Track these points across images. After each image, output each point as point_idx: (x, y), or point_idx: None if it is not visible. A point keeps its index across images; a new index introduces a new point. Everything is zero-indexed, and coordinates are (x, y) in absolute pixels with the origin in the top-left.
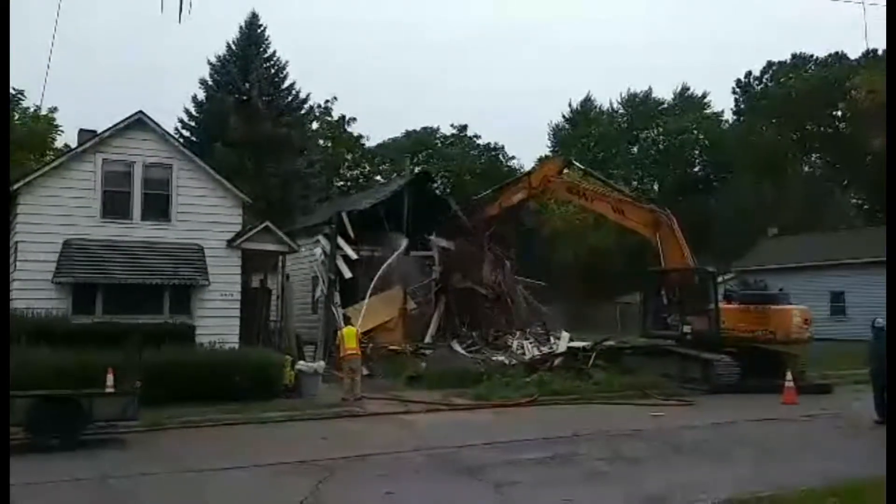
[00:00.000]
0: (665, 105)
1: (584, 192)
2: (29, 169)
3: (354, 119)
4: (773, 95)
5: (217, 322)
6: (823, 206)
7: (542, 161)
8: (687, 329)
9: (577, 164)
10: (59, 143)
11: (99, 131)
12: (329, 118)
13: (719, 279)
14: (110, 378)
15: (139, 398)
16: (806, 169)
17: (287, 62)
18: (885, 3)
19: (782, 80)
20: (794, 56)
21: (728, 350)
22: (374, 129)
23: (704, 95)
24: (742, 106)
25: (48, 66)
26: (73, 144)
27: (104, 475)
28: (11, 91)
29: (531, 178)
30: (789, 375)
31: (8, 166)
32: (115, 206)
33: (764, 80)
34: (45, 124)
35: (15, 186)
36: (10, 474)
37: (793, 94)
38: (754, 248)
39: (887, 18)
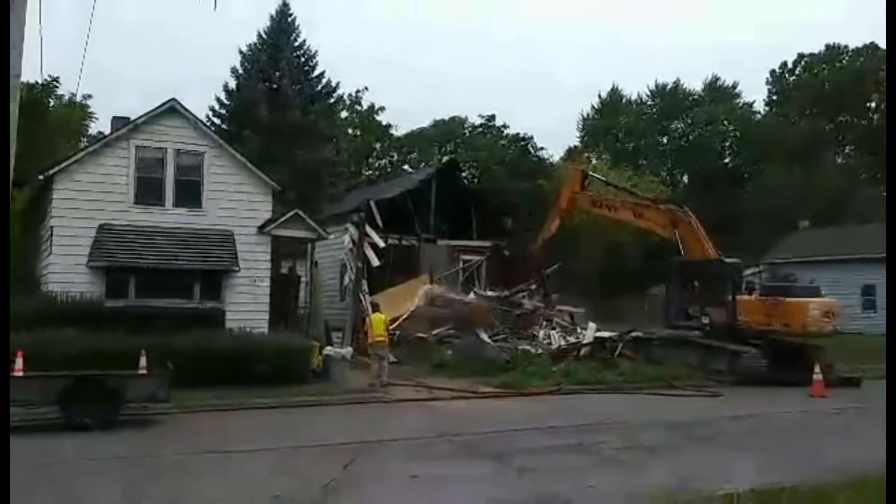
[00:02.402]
0: (695, 96)
1: (607, 204)
2: (64, 156)
3: (383, 108)
4: (807, 86)
5: (247, 307)
6: (856, 198)
7: (569, 152)
8: (706, 320)
9: (593, 174)
10: (92, 131)
11: (132, 119)
12: (358, 107)
13: (748, 271)
14: (143, 360)
15: (170, 381)
16: (839, 161)
17: (317, 51)
18: (886, 3)
19: (816, 71)
20: (827, 47)
21: (755, 342)
22: (403, 118)
23: (735, 86)
24: (775, 97)
25: (84, 55)
26: (107, 132)
27: (136, 455)
28: (46, 78)
29: (559, 202)
30: (817, 368)
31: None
32: (148, 192)
33: (797, 72)
34: (79, 112)
35: (50, 172)
36: (45, 452)
37: (826, 85)
38: (785, 241)
39: (887, 19)
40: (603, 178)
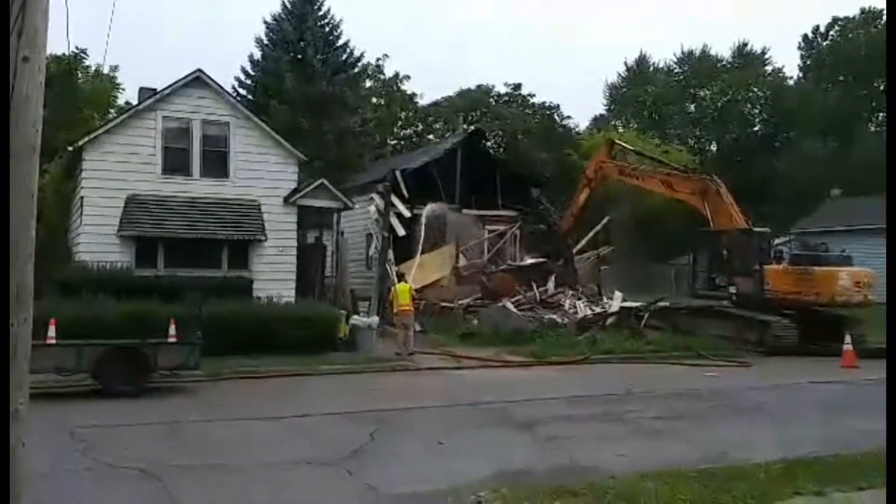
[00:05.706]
0: (724, 62)
1: (635, 173)
2: (92, 126)
3: (408, 77)
4: (841, 52)
5: (274, 277)
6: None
7: (596, 121)
8: (733, 290)
9: (620, 143)
10: (120, 101)
11: (159, 89)
12: (382, 76)
13: (778, 241)
14: (173, 328)
15: (200, 349)
16: (873, 128)
17: (341, 20)
18: (885, 2)
19: (850, 35)
20: (863, 11)
21: (785, 311)
22: (428, 87)
23: (764, 52)
24: (808, 63)
25: (110, 27)
26: (134, 102)
27: (169, 420)
28: (74, 50)
29: (586, 173)
30: (848, 339)
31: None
32: (175, 162)
33: (831, 36)
34: (107, 84)
35: (80, 143)
36: (82, 418)
37: (862, 50)
38: (817, 210)
39: (887, 18)
40: (631, 147)
